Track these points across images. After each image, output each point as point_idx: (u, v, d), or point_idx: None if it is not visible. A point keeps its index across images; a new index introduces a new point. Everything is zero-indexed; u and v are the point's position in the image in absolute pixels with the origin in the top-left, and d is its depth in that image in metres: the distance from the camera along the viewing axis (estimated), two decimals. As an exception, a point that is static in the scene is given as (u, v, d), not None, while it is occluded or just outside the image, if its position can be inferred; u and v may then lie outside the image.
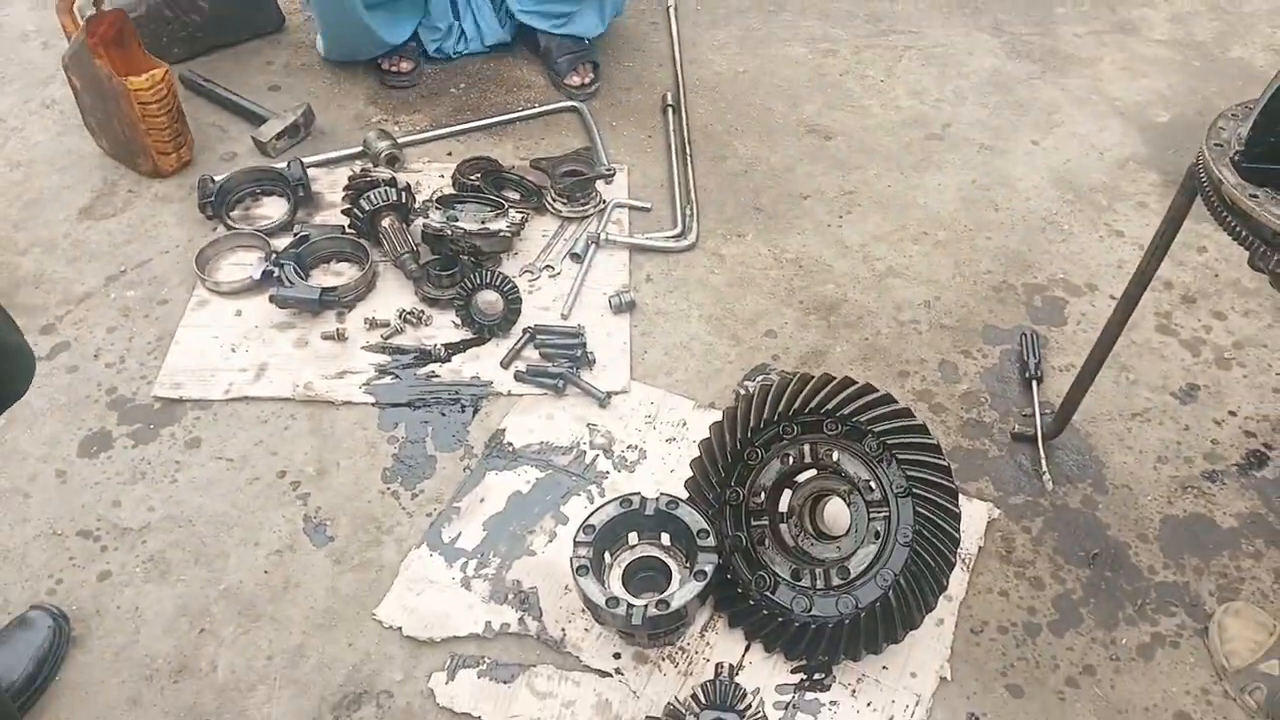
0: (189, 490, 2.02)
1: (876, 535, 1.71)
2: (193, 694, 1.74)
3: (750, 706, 1.66)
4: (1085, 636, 1.82)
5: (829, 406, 1.76)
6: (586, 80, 2.93)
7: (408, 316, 2.30)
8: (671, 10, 3.24)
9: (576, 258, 2.44)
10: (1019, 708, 1.73)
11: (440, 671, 1.75)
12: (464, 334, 2.28)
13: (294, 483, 2.03)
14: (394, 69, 2.95)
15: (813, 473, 1.81)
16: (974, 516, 1.96)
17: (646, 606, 1.64)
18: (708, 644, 1.79)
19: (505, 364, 2.22)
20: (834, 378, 1.79)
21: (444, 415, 2.14)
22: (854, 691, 1.73)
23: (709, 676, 1.71)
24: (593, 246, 2.45)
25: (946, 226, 2.58)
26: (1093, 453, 2.09)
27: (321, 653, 1.79)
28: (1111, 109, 2.95)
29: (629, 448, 2.08)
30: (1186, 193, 1.58)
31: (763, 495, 1.79)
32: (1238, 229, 1.44)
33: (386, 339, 2.26)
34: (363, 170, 2.51)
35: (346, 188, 2.44)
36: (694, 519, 1.75)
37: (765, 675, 1.75)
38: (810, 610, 1.72)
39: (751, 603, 1.76)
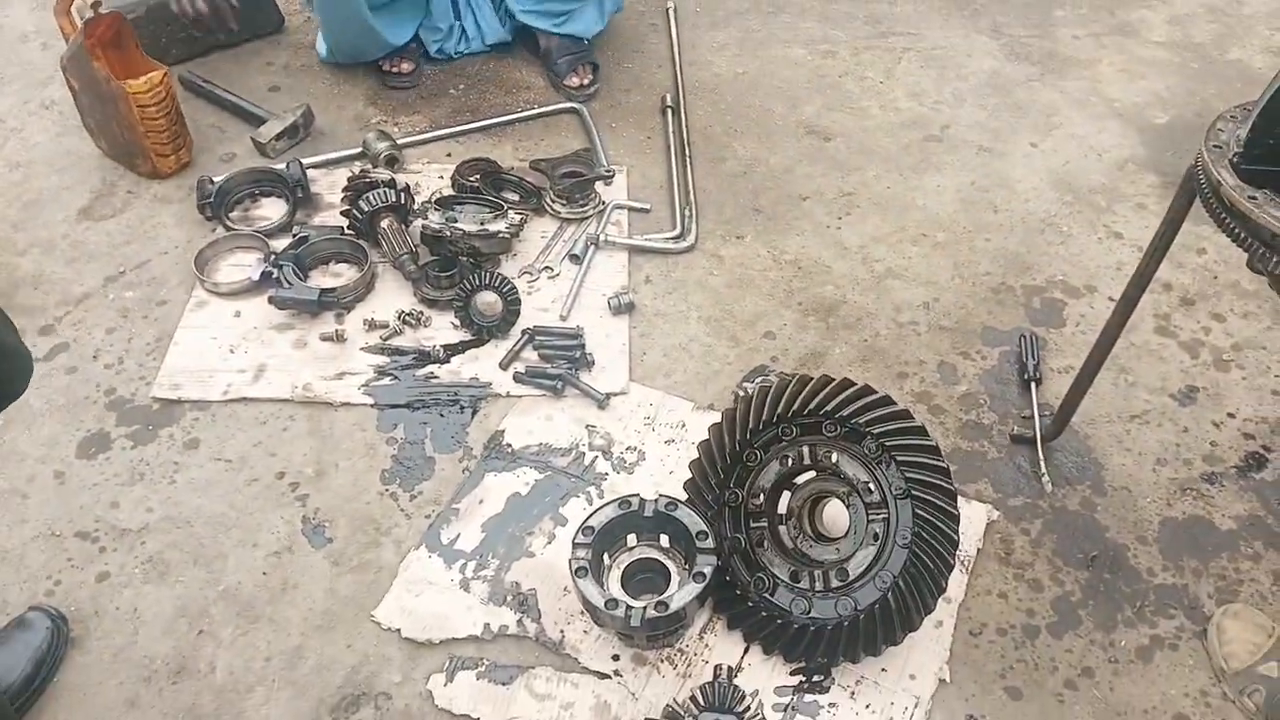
0: (187, 491, 2.01)
1: (875, 537, 1.71)
2: (191, 695, 1.74)
3: (749, 708, 1.66)
4: (1084, 638, 1.82)
5: (828, 408, 1.76)
6: (586, 81, 2.93)
7: (407, 318, 2.30)
8: (671, 12, 3.24)
9: (575, 259, 2.44)
10: (1018, 710, 1.73)
11: (439, 673, 1.75)
12: (463, 335, 2.28)
13: (293, 484, 2.03)
14: (395, 70, 2.95)
15: (812, 474, 1.81)
16: (973, 518, 1.95)
17: (645, 608, 1.64)
18: (707, 646, 1.79)
19: (504, 365, 2.22)
20: (833, 379, 1.79)
21: (443, 416, 2.14)
22: (853, 693, 1.73)
23: (708, 678, 1.71)
24: (592, 248, 2.45)
25: (945, 228, 2.58)
26: (1092, 455, 2.09)
27: (320, 654, 1.79)
28: (1110, 111, 2.95)
29: (628, 449, 2.08)
30: (1185, 194, 1.58)
31: (762, 497, 1.79)
32: (1236, 231, 1.44)
33: (385, 340, 2.26)
34: (362, 171, 2.51)
35: (346, 189, 2.44)
36: (693, 521, 1.75)
37: (764, 677, 1.75)
38: (809, 612, 1.72)
39: (750, 604, 1.76)
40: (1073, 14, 3.33)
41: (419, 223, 2.38)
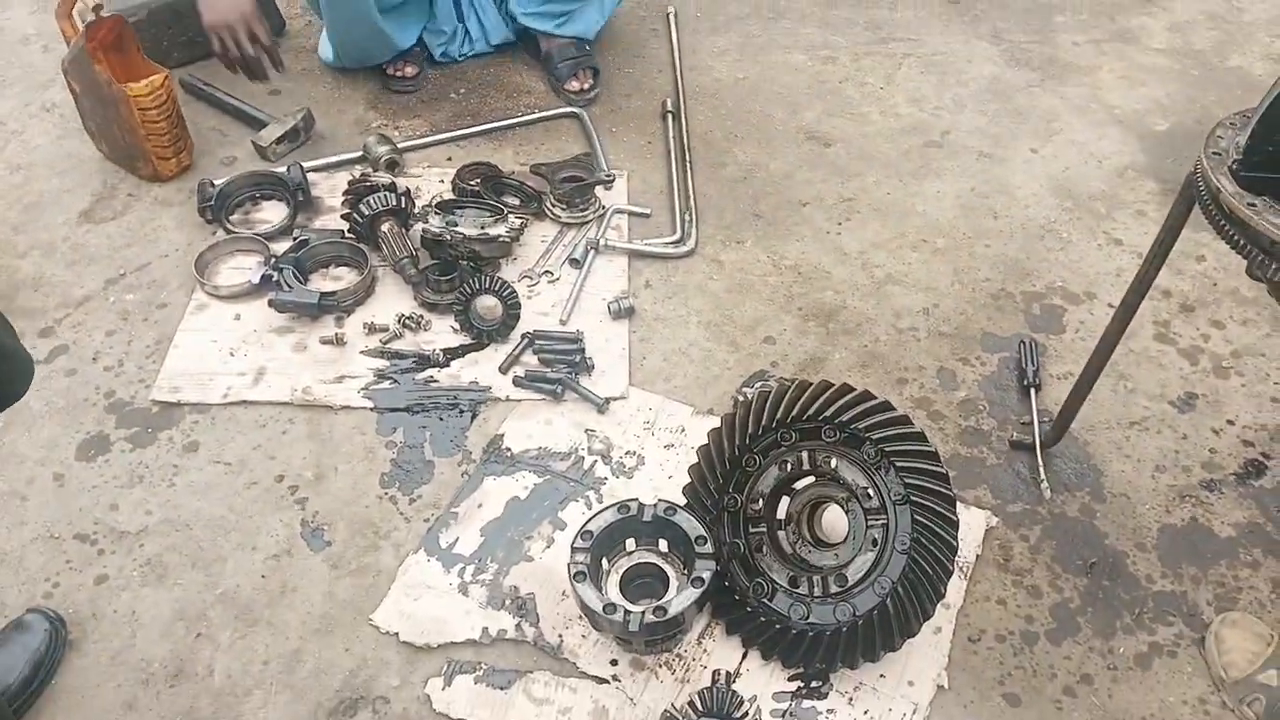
0: (186, 494, 2.01)
1: (874, 543, 1.71)
2: (189, 698, 1.74)
3: (747, 714, 1.66)
4: (1083, 645, 1.82)
5: (827, 413, 1.76)
6: (586, 86, 2.93)
7: (406, 321, 2.30)
8: (672, 17, 3.25)
9: (576, 263, 2.44)
10: (1016, 716, 1.73)
11: (437, 677, 1.75)
12: (463, 339, 2.28)
13: (292, 487, 2.03)
14: (398, 74, 2.95)
15: (811, 480, 1.81)
16: (972, 524, 1.95)
17: (644, 613, 1.64)
18: (705, 651, 1.79)
19: (504, 369, 2.22)
20: (832, 385, 1.79)
21: (442, 420, 2.14)
22: (851, 700, 1.73)
23: (706, 684, 1.70)
24: (592, 252, 2.45)
25: (945, 234, 2.58)
26: (1091, 461, 2.09)
27: (318, 658, 1.78)
28: (1110, 117, 2.95)
29: (627, 453, 2.08)
30: (1185, 201, 1.59)
31: (761, 502, 1.79)
32: (1236, 237, 1.44)
33: (385, 344, 2.26)
34: (362, 175, 2.52)
35: (346, 192, 2.44)
36: (692, 525, 1.75)
37: (762, 683, 1.75)
38: (808, 618, 1.72)
39: (749, 610, 1.76)
40: (1073, 20, 3.34)
41: (419, 227, 2.38)
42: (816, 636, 1.71)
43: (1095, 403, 2.08)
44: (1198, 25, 3.32)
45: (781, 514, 1.82)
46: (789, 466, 1.79)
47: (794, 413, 1.78)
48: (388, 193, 2.37)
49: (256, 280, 2.33)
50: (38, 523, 1.97)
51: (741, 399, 2.13)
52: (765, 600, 1.75)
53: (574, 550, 1.72)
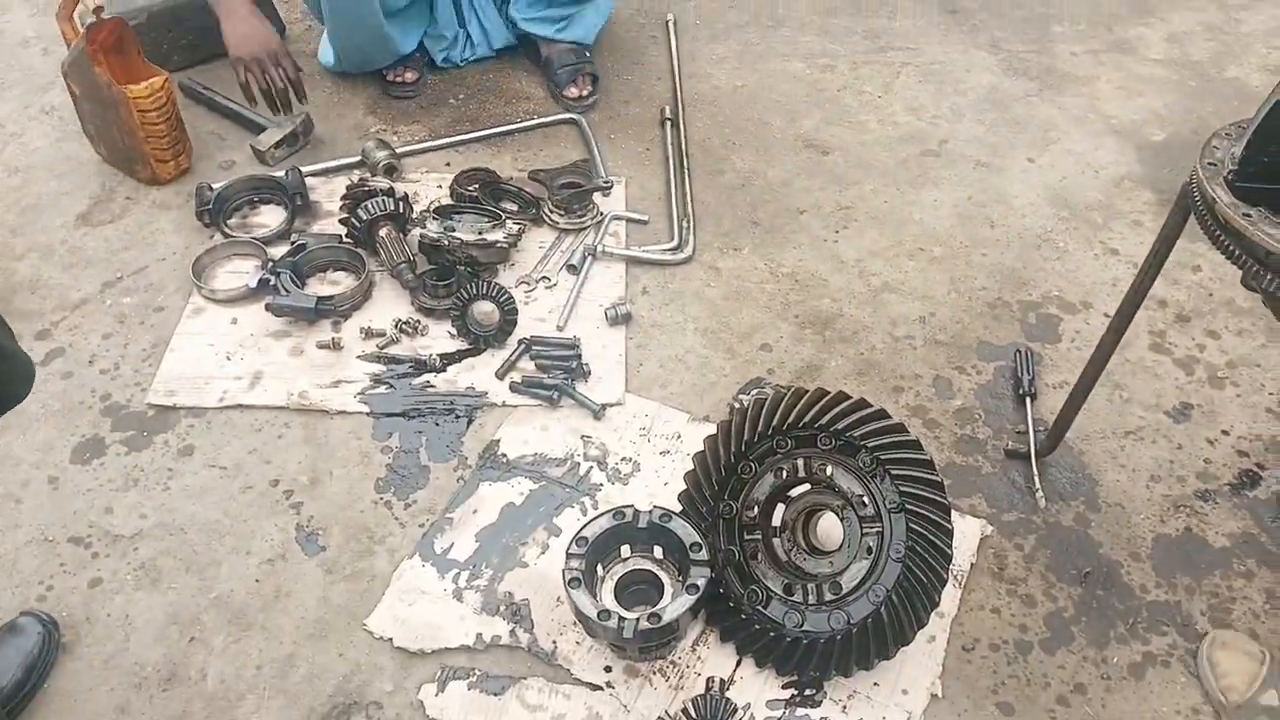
0: (181, 498, 2.01)
1: (869, 550, 1.71)
2: (182, 703, 1.73)
3: (741, 721, 1.66)
4: (1076, 655, 1.82)
5: (823, 421, 1.76)
6: (585, 92, 2.93)
7: (403, 326, 2.30)
8: (671, 25, 3.25)
9: (573, 269, 2.44)
10: (1010, 725, 1.73)
11: (430, 683, 1.75)
12: (460, 344, 2.28)
13: (287, 491, 2.02)
14: (399, 79, 2.96)
15: (806, 487, 1.81)
16: (966, 533, 1.95)
17: (638, 620, 1.64)
18: (699, 658, 1.79)
19: (500, 375, 2.22)
20: (828, 392, 1.79)
21: (438, 425, 2.14)
22: (845, 708, 1.72)
23: (700, 691, 1.70)
24: (589, 258, 2.45)
25: (942, 243, 2.58)
26: (1086, 470, 2.09)
27: (311, 663, 1.78)
28: (1107, 127, 2.96)
29: (623, 460, 2.08)
30: (1180, 211, 1.59)
31: (756, 509, 1.79)
32: (1231, 248, 1.44)
33: (382, 348, 2.26)
34: (360, 180, 2.52)
35: (344, 197, 2.44)
36: (687, 532, 1.75)
37: (756, 690, 1.75)
38: (802, 625, 1.72)
39: (743, 617, 1.76)
40: (1071, 30, 3.35)
41: (417, 232, 2.38)
42: (811, 644, 1.71)
43: (1090, 412, 2.09)
44: (1195, 36, 3.34)
45: (777, 521, 1.82)
46: (784, 474, 1.79)
47: (790, 420, 1.79)
48: (386, 198, 2.37)
49: (254, 284, 2.33)
50: (32, 525, 1.97)
51: (738, 406, 2.13)
52: (760, 607, 1.75)
53: (569, 556, 1.72)
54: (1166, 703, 1.76)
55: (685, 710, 1.66)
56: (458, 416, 2.15)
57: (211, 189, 2.53)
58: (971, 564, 1.92)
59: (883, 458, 1.72)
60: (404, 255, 2.34)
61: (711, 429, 1.90)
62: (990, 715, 1.74)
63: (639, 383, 2.23)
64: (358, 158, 2.72)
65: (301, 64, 2.71)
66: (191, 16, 2.92)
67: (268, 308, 2.28)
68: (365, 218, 2.36)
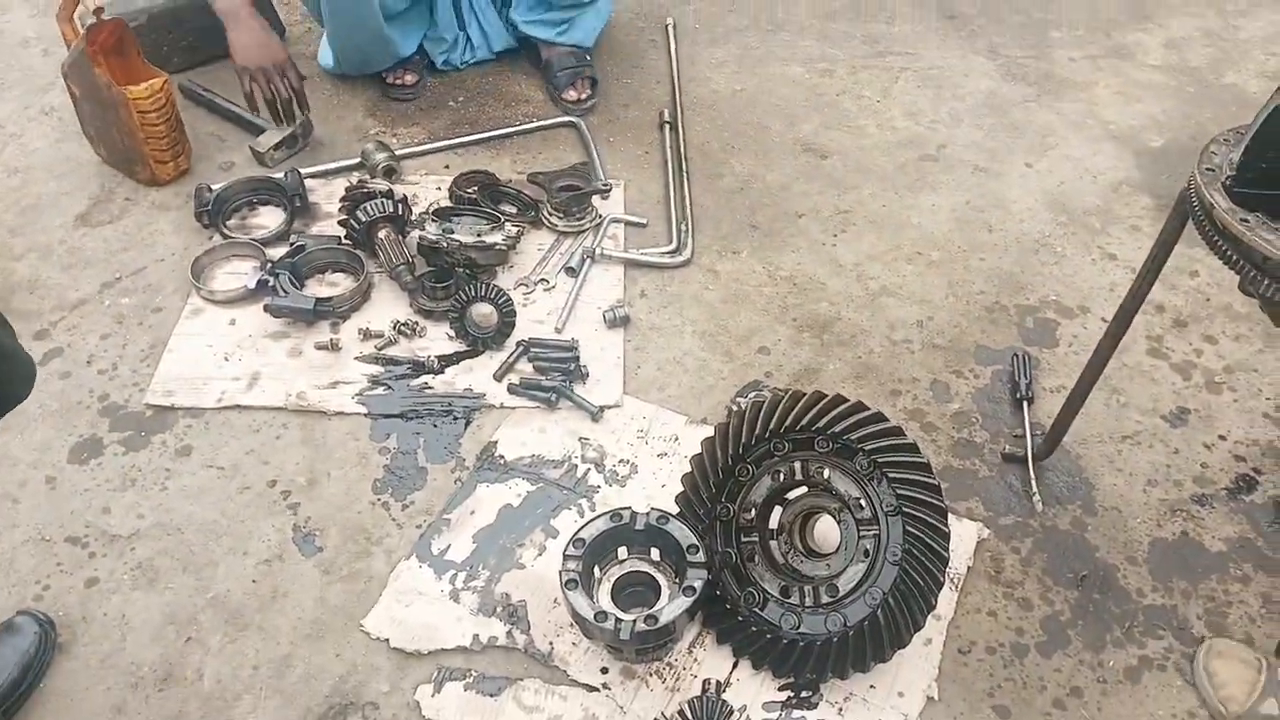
0: (179, 498, 2.01)
1: (866, 553, 1.71)
2: (178, 703, 1.73)
3: (737, 723, 1.66)
4: (1073, 658, 1.82)
5: (820, 424, 1.77)
6: (584, 96, 2.94)
7: (402, 328, 2.30)
8: (670, 28, 3.26)
9: (571, 272, 2.45)
10: (1006, 729, 1.73)
11: (427, 684, 1.75)
12: (458, 346, 2.28)
13: (284, 492, 2.02)
14: (398, 82, 2.96)
15: (803, 490, 1.82)
16: (963, 536, 1.96)
17: (635, 621, 1.64)
18: (695, 660, 1.79)
19: (498, 377, 2.22)
20: (826, 395, 1.80)
21: (436, 427, 2.14)
22: (841, 710, 1.72)
23: (696, 693, 1.70)
24: (588, 261, 2.45)
25: (940, 247, 2.59)
26: (1083, 474, 2.10)
27: (308, 663, 1.78)
28: (1106, 133, 2.97)
29: (620, 462, 2.08)
30: (1178, 217, 1.59)
31: (753, 512, 1.79)
32: (1229, 253, 1.45)
33: (380, 350, 2.27)
34: (360, 181, 2.52)
35: (343, 199, 2.45)
36: (684, 534, 1.75)
37: (752, 692, 1.75)
38: (799, 628, 1.72)
39: (740, 619, 1.76)
40: (1069, 36, 3.36)
41: (416, 234, 2.39)
42: (807, 646, 1.71)
43: (1087, 416, 2.09)
44: (1194, 42, 3.34)
45: (774, 524, 1.83)
46: (782, 476, 1.79)
47: (787, 423, 1.79)
48: (385, 199, 2.38)
49: (252, 285, 2.34)
50: (29, 525, 1.97)
51: (735, 409, 2.13)
52: (756, 610, 1.75)
53: (566, 558, 1.72)
54: (1162, 706, 1.76)
55: (681, 712, 1.66)
56: (456, 418, 2.15)
57: (211, 190, 2.53)
58: (968, 567, 1.92)
59: (880, 461, 1.72)
60: (403, 257, 2.34)
61: (709, 431, 1.91)
62: (986, 718, 1.74)
63: (637, 385, 2.23)
64: (357, 160, 2.72)
65: (301, 67, 2.72)
66: (191, 18, 2.93)
67: (266, 309, 2.28)
68: (364, 219, 2.36)
